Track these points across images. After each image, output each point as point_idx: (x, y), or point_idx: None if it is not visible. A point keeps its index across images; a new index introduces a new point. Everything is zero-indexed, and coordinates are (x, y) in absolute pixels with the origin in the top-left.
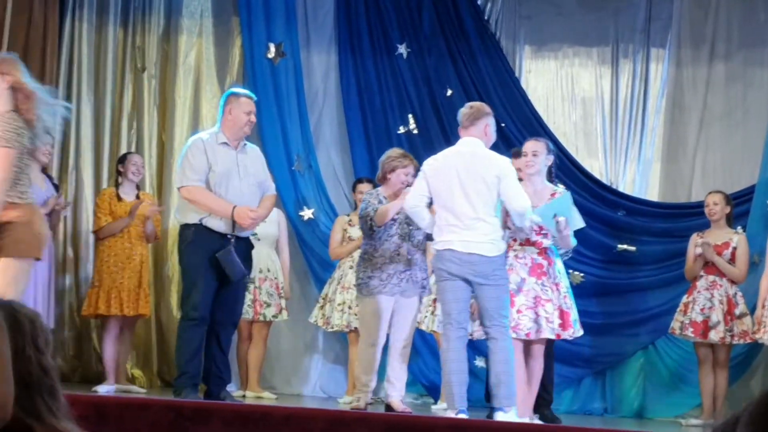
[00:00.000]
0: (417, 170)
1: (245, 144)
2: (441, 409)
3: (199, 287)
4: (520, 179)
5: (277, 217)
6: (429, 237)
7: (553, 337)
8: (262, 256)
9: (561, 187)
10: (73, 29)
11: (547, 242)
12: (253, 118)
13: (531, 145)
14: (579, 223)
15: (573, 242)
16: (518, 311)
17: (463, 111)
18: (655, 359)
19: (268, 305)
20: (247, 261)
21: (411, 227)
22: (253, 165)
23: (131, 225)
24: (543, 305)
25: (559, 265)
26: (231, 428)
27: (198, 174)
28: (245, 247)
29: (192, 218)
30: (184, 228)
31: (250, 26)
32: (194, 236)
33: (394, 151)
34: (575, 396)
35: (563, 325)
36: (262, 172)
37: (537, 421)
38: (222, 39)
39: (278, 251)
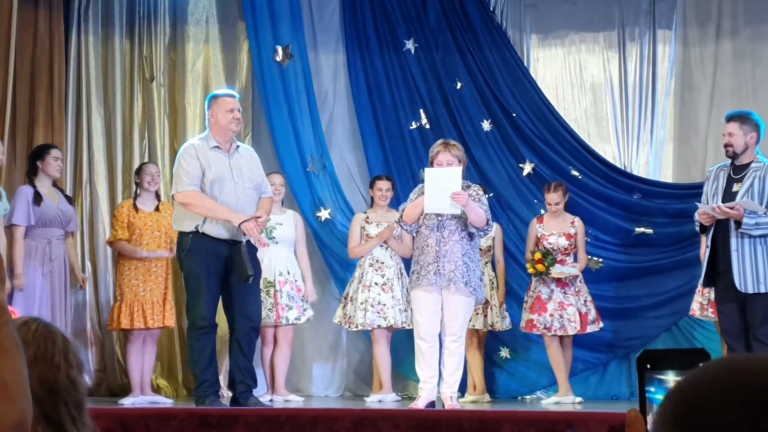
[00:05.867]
0: (458, 157)
1: (238, 146)
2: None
3: (202, 295)
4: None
5: (294, 219)
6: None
7: (573, 333)
8: (281, 259)
9: (577, 218)
10: (80, 42)
11: (569, 260)
12: (237, 114)
13: (553, 197)
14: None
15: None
16: (551, 315)
17: None
18: (680, 340)
19: (290, 308)
20: (254, 262)
21: (441, 218)
22: (248, 168)
23: (149, 238)
24: (566, 308)
25: (581, 277)
26: None
27: (192, 179)
28: (248, 249)
29: (188, 226)
30: (182, 236)
31: (256, 30)
32: (192, 244)
33: (437, 142)
34: (601, 381)
35: (582, 324)
36: (258, 174)
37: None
38: (229, 44)
39: (296, 254)
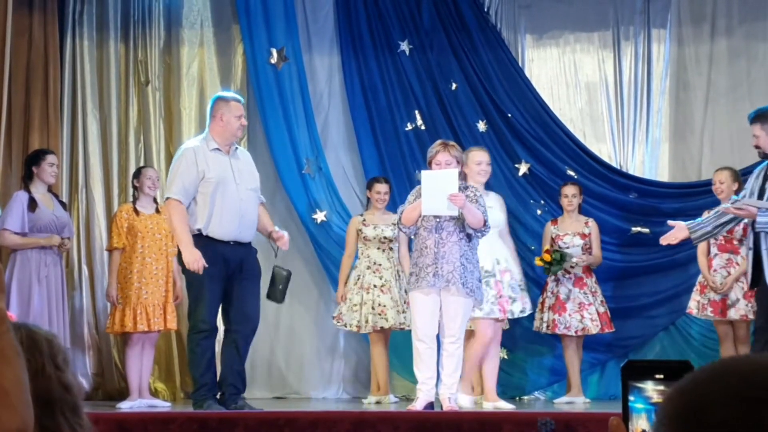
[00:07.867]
0: (457, 158)
1: (236, 148)
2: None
3: (205, 298)
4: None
5: (499, 201)
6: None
7: (596, 331)
8: (495, 245)
9: (591, 219)
10: (74, 47)
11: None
12: (243, 121)
13: (570, 189)
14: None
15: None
16: (569, 315)
17: None
18: (677, 339)
19: (514, 300)
20: (255, 264)
21: (439, 219)
22: (248, 170)
23: (150, 240)
24: (587, 308)
25: (595, 277)
26: None
27: (181, 188)
28: (245, 252)
29: (191, 228)
30: None
31: (250, 33)
32: (195, 246)
33: (435, 143)
34: (601, 381)
35: (603, 323)
36: (256, 176)
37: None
38: (224, 47)
39: (503, 238)
